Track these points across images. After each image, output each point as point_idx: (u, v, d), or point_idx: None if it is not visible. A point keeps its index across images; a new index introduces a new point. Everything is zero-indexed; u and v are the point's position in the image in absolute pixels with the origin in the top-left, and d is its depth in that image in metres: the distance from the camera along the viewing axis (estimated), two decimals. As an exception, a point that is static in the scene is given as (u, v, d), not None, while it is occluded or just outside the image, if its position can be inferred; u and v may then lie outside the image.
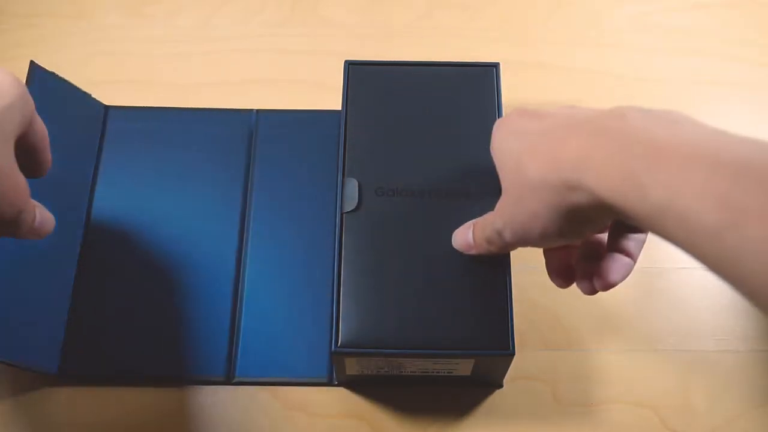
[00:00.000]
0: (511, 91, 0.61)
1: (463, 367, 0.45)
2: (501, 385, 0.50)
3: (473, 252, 0.42)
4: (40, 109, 0.39)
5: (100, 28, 0.65)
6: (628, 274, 0.39)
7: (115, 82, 0.62)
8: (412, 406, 0.50)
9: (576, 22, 0.66)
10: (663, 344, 0.52)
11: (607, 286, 0.39)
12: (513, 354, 0.42)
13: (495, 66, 0.50)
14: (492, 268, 0.44)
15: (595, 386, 0.51)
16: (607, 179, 0.30)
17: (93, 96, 0.59)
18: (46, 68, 0.54)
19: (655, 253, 0.55)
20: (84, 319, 0.52)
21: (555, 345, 0.52)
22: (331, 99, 0.54)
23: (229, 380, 0.51)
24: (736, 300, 0.54)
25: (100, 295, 0.53)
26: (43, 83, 0.53)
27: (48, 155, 0.40)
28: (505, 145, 0.39)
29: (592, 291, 0.40)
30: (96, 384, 0.51)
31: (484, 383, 0.50)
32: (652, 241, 0.57)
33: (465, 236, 0.43)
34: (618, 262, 0.39)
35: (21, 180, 0.36)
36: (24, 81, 0.52)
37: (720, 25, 0.66)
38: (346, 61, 0.50)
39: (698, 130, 0.28)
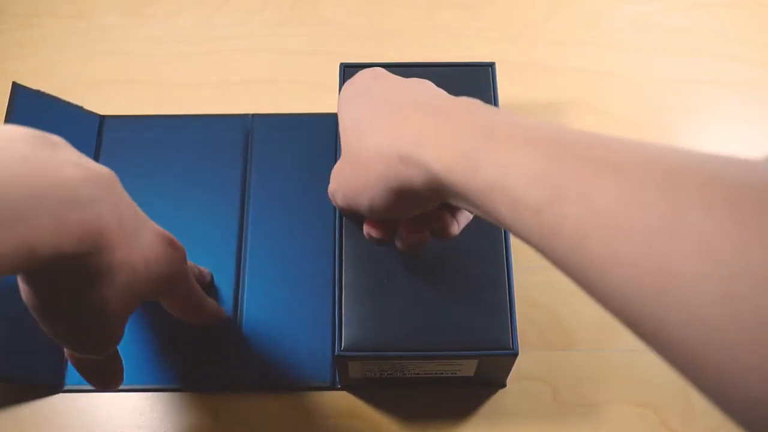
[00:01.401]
0: (511, 90, 0.61)
1: (467, 368, 0.45)
2: (504, 385, 0.51)
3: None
4: None
5: (100, 28, 0.65)
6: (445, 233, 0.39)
7: (115, 82, 0.62)
8: (414, 408, 0.50)
9: (576, 22, 0.66)
10: (663, 344, 0.52)
11: (422, 240, 0.40)
12: (516, 353, 0.42)
13: (491, 65, 0.50)
14: (494, 268, 0.44)
15: (596, 386, 0.51)
16: (444, 156, 0.31)
17: (87, 106, 0.58)
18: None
19: (655, 253, 0.55)
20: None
21: (555, 345, 0.52)
22: (331, 99, 0.54)
23: (230, 387, 0.51)
24: (736, 300, 0.54)
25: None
26: (26, 103, 0.52)
27: (200, 315, 0.47)
28: (351, 107, 0.39)
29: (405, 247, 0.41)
30: (97, 392, 0.51)
31: (488, 383, 0.50)
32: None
33: None
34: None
35: (118, 332, 0.39)
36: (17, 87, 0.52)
37: (720, 25, 0.66)
38: (341, 64, 0.50)
39: (535, 123, 0.30)
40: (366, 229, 0.40)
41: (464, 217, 0.39)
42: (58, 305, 0.35)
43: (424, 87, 0.38)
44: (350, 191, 0.37)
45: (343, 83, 0.49)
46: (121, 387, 0.50)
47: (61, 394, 0.50)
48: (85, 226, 0.31)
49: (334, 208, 0.46)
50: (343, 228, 0.45)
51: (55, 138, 0.33)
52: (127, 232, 0.35)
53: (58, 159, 0.31)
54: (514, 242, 0.55)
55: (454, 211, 0.39)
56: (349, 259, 0.44)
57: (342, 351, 0.42)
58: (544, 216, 0.26)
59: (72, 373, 0.51)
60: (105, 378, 0.42)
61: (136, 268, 0.36)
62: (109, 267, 0.34)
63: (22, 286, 0.35)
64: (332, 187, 0.39)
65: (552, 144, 0.27)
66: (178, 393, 0.51)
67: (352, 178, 0.37)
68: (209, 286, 0.52)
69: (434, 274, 0.44)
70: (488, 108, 0.33)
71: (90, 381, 0.42)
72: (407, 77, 0.50)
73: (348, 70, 0.50)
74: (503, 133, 0.29)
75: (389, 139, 0.34)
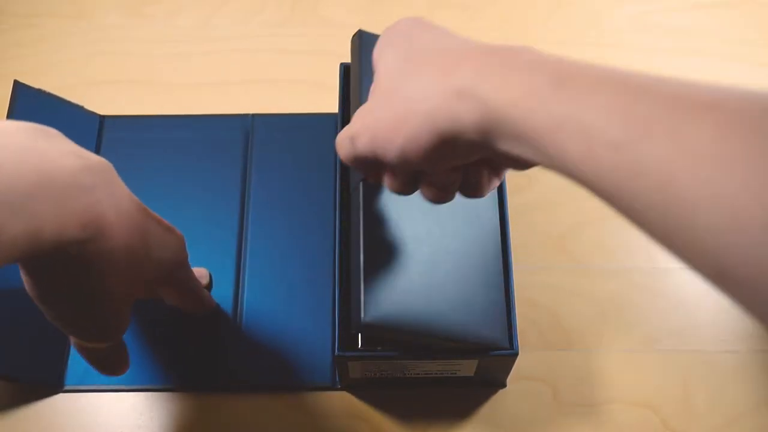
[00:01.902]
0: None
1: (467, 368, 0.45)
2: (504, 385, 0.51)
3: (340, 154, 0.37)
4: None
5: (100, 28, 0.65)
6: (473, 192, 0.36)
7: (115, 82, 0.62)
8: (414, 408, 0.50)
9: (576, 22, 0.66)
10: (663, 344, 0.52)
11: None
12: (516, 353, 0.42)
13: None
14: (494, 268, 0.44)
15: (596, 386, 0.51)
16: (507, 90, 0.28)
17: (87, 106, 0.58)
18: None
19: (656, 254, 0.56)
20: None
21: (555, 345, 0.52)
22: (331, 99, 0.54)
23: (229, 388, 0.51)
24: (736, 300, 0.54)
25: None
26: (27, 102, 0.52)
27: (196, 301, 0.48)
28: (392, 48, 0.35)
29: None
30: (97, 392, 0.51)
31: (488, 383, 0.50)
32: (652, 242, 0.57)
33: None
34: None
35: (123, 319, 0.39)
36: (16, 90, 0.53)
37: (720, 25, 0.66)
38: (341, 64, 0.50)
39: (608, 66, 0.28)
40: (387, 180, 0.36)
41: (496, 179, 0.36)
42: (61, 292, 0.35)
43: (468, 38, 0.35)
44: (382, 132, 0.32)
45: (343, 83, 0.49)
46: (121, 387, 0.50)
47: (61, 394, 0.50)
48: (86, 212, 0.32)
49: (334, 206, 0.45)
50: (343, 224, 0.45)
51: (53, 130, 0.34)
52: (126, 218, 0.36)
53: (57, 149, 0.33)
54: (514, 242, 0.55)
55: (489, 168, 0.35)
56: (346, 261, 0.44)
57: (342, 351, 0.42)
58: (624, 153, 0.24)
59: (72, 373, 0.51)
60: (112, 365, 0.43)
61: (136, 254, 0.37)
62: (110, 253, 0.34)
63: (24, 277, 0.35)
64: (356, 128, 0.34)
65: (631, 83, 0.25)
66: (178, 393, 0.51)
67: (388, 118, 0.32)
68: (207, 289, 0.52)
69: (434, 273, 0.44)
70: (550, 54, 0.30)
71: (97, 368, 0.42)
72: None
73: (348, 71, 0.50)
74: (575, 72, 0.27)
75: (443, 74, 0.30)
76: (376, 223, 0.43)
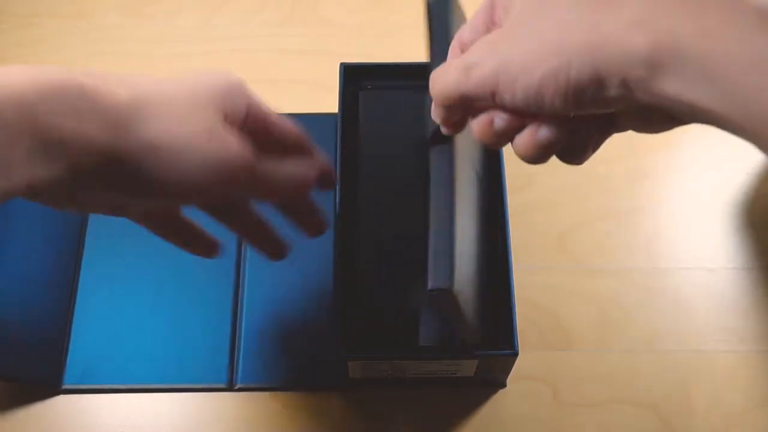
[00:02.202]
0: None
1: (466, 368, 0.45)
2: (504, 385, 0.50)
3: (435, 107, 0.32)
4: None
5: (100, 28, 0.65)
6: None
7: (115, 82, 0.62)
8: (414, 408, 0.50)
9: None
10: (663, 344, 0.52)
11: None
12: (516, 353, 0.42)
13: None
14: (494, 268, 0.44)
15: (596, 386, 0.51)
16: (698, 18, 0.24)
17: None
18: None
19: (656, 253, 0.55)
20: (84, 329, 0.52)
21: (555, 345, 0.52)
22: (331, 99, 0.54)
23: (230, 387, 0.51)
24: (736, 300, 0.54)
25: (100, 305, 0.53)
26: None
27: (282, 128, 0.39)
28: None
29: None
30: (97, 392, 0.51)
31: (488, 383, 0.50)
32: (652, 241, 0.57)
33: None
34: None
35: (227, 143, 0.33)
36: None
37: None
38: (341, 64, 0.50)
39: None
40: (484, 126, 0.31)
41: (600, 143, 0.32)
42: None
43: None
44: (518, 62, 0.27)
45: (344, 83, 0.49)
46: (121, 387, 0.50)
47: (61, 395, 0.50)
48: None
49: (334, 206, 0.45)
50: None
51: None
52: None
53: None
54: (514, 242, 0.55)
55: (598, 129, 0.31)
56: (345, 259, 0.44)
57: (342, 351, 0.42)
58: None
59: (71, 373, 0.50)
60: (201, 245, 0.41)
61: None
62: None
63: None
64: (478, 56, 0.29)
65: None
66: (178, 393, 0.51)
67: (530, 48, 0.27)
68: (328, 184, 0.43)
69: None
70: None
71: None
72: (407, 77, 0.50)
73: (348, 71, 0.50)
74: None
75: (610, 3, 0.26)
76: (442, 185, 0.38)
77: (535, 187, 0.58)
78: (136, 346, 0.51)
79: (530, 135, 0.30)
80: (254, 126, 0.36)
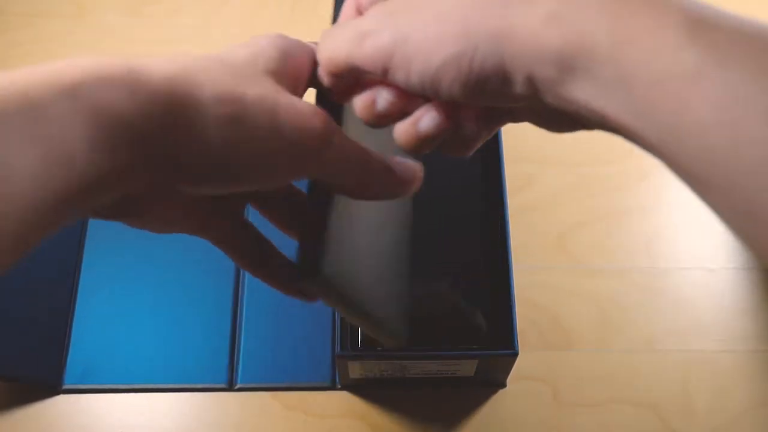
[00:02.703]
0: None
1: (467, 368, 0.45)
2: (504, 385, 0.50)
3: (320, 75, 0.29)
4: None
5: (100, 28, 0.65)
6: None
7: (115, 82, 0.62)
8: (414, 408, 0.50)
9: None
10: (663, 344, 0.52)
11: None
12: (516, 353, 0.42)
13: None
14: (494, 268, 0.44)
15: (596, 386, 0.51)
16: (618, 23, 0.22)
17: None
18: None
19: (656, 253, 0.55)
20: (84, 329, 0.52)
21: (555, 345, 0.52)
22: (332, 99, 0.54)
23: (231, 387, 0.51)
24: (736, 300, 0.54)
25: (100, 305, 0.53)
26: None
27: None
28: None
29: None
30: (97, 392, 0.51)
31: (488, 383, 0.50)
32: (652, 241, 0.57)
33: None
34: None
35: (294, 105, 0.27)
36: None
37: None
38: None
39: (741, 16, 0.23)
40: (366, 103, 0.28)
41: (487, 135, 0.29)
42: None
43: None
44: (417, 42, 0.25)
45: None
46: (121, 387, 0.50)
47: (61, 395, 0.50)
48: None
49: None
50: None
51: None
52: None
53: None
54: (514, 242, 0.55)
55: (484, 120, 0.29)
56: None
57: (343, 350, 0.42)
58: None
59: (71, 372, 0.50)
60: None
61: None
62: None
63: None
64: (373, 24, 0.26)
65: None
66: (178, 393, 0.51)
67: (433, 28, 0.25)
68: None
69: (435, 273, 0.44)
70: None
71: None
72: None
73: None
74: (712, 16, 0.22)
75: None
76: None
77: (535, 187, 0.58)
78: (136, 346, 0.51)
79: (412, 125, 0.28)
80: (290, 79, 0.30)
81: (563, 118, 0.26)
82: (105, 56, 0.24)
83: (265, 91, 0.26)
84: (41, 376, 0.50)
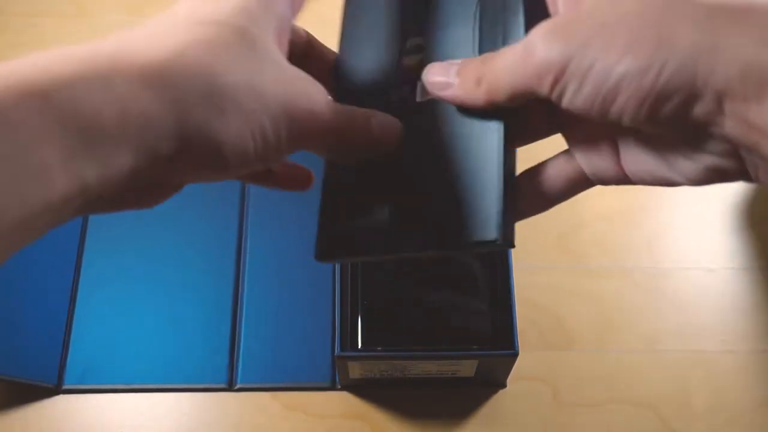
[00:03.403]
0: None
1: (467, 368, 0.45)
2: (504, 385, 0.50)
3: (446, 94, 0.28)
4: None
5: (101, 28, 0.65)
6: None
7: (115, 81, 0.62)
8: (414, 408, 0.50)
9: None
10: (663, 344, 0.52)
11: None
12: (516, 353, 0.42)
13: None
14: (494, 268, 0.44)
15: (596, 386, 0.51)
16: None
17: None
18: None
19: (656, 253, 0.55)
20: (84, 329, 0.52)
21: (555, 345, 0.52)
22: (332, 99, 0.54)
23: (230, 387, 0.51)
24: (736, 300, 0.54)
25: (100, 305, 0.53)
26: None
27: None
28: None
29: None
30: (97, 392, 0.51)
31: (488, 384, 0.50)
32: (652, 241, 0.57)
33: (443, 70, 0.28)
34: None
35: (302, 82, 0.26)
36: None
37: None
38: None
39: None
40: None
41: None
42: None
43: None
44: (600, 46, 0.23)
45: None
46: (121, 387, 0.50)
47: (61, 395, 0.50)
48: None
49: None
50: None
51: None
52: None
53: None
54: (515, 242, 0.55)
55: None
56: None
57: (343, 350, 0.42)
58: None
59: (71, 372, 0.50)
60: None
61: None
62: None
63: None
64: (544, 36, 0.24)
65: None
66: (178, 393, 0.51)
67: (623, 32, 0.23)
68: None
69: (435, 273, 0.44)
70: None
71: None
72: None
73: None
74: None
75: (691, 25, 0.22)
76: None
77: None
78: (136, 346, 0.51)
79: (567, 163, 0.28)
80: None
81: (713, 164, 0.25)
82: (75, 48, 0.23)
83: (282, 75, 0.25)
84: (41, 376, 0.50)
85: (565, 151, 0.29)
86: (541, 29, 0.24)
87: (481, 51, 0.29)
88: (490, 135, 0.28)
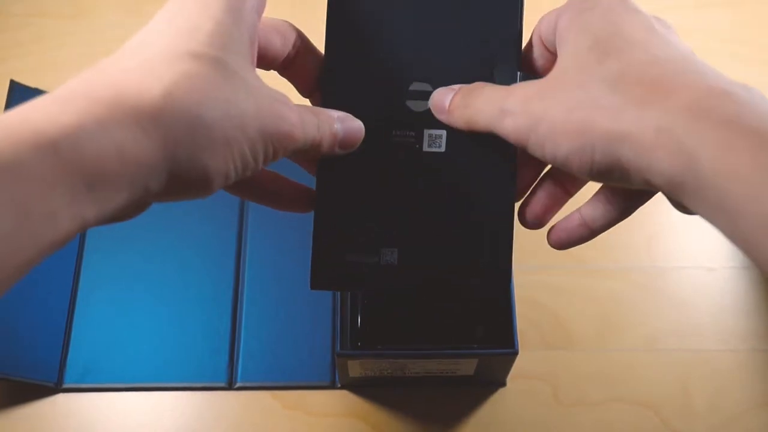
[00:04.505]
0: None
1: (467, 367, 0.45)
2: (504, 384, 0.51)
3: (442, 118, 0.32)
4: None
5: (100, 28, 0.65)
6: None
7: (115, 81, 0.62)
8: (414, 407, 0.50)
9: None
10: (663, 344, 0.52)
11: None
12: (516, 352, 0.43)
13: None
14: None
15: (596, 386, 0.51)
16: (728, 155, 0.23)
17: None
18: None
19: (656, 253, 0.56)
20: (84, 329, 0.52)
21: (555, 345, 0.52)
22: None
23: (230, 386, 0.51)
24: (736, 300, 0.54)
25: (100, 305, 0.53)
26: (24, 101, 0.53)
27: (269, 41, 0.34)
28: (588, 28, 0.29)
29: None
30: (98, 391, 0.51)
31: (488, 382, 0.50)
32: (652, 240, 0.57)
33: (443, 96, 0.32)
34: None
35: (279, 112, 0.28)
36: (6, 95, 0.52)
37: (720, 25, 0.66)
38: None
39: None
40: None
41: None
42: None
43: (684, 47, 0.31)
44: (546, 129, 0.28)
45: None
46: (121, 386, 0.50)
47: (61, 394, 0.50)
48: None
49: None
50: None
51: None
52: None
53: None
54: (515, 242, 0.55)
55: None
56: None
57: (343, 349, 0.42)
58: None
59: (71, 372, 0.51)
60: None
61: None
62: None
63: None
64: (513, 105, 0.29)
65: None
66: (178, 393, 0.51)
67: (562, 118, 0.27)
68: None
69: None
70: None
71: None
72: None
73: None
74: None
75: (643, 97, 0.26)
76: None
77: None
78: (136, 346, 0.51)
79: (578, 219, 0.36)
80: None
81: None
82: (76, 86, 0.25)
83: (257, 102, 0.27)
84: (41, 375, 0.50)
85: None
86: (519, 95, 0.29)
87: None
88: (500, 187, 0.33)
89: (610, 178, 0.28)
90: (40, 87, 0.55)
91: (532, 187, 0.35)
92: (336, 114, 0.32)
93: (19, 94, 0.53)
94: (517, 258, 0.49)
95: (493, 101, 0.30)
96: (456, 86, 0.32)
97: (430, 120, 0.32)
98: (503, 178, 0.33)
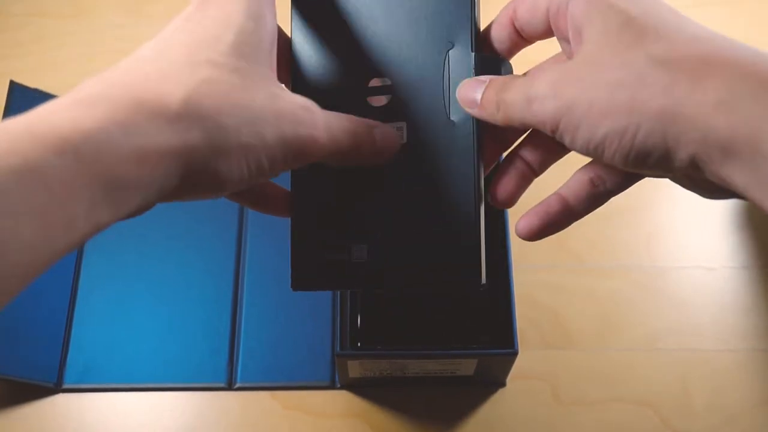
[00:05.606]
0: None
1: (466, 367, 0.45)
2: (504, 384, 0.51)
3: (473, 112, 0.31)
4: None
5: (100, 28, 0.65)
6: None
7: (114, 81, 0.62)
8: (413, 407, 0.50)
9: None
10: (663, 344, 0.52)
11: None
12: (516, 352, 0.43)
13: None
14: (494, 268, 0.44)
15: (595, 385, 0.51)
16: None
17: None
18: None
19: (655, 252, 0.56)
20: (84, 329, 0.52)
21: (555, 344, 0.52)
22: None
23: (230, 387, 0.51)
24: (735, 298, 0.54)
25: (100, 305, 0.53)
26: (24, 102, 0.53)
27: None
28: (611, 7, 0.28)
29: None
30: (97, 391, 0.51)
31: (488, 382, 0.50)
32: (652, 240, 0.57)
33: (472, 89, 0.31)
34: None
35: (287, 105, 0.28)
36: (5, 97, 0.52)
37: (720, 24, 0.65)
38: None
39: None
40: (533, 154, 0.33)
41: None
42: None
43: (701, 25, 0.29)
44: (581, 111, 0.27)
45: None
46: (121, 386, 0.50)
47: (61, 394, 0.50)
48: None
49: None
50: None
51: None
52: None
53: None
54: (514, 242, 0.55)
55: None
56: None
57: (343, 349, 0.42)
58: None
59: (71, 372, 0.51)
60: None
61: None
62: None
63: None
64: (541, 89, 0.28)
65: None
66: (178, 393, 0.51)
67: (598, 99, 0.26)
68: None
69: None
70: None
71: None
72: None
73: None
74: None
75: (689, 75, 0.25)
76: None
77: (534, 187, 0.58)
78: (136, 346, 0.51)
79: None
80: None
81: (718, 189, 0.27)
82: (96, 94, 0.25)
83: (277, 108, 0.27)
84: (41, 376, 0.50)
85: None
86: (544, 80, 0.28)
87: (452, 88, 0.32)
88: (465, 176, 0.32)
89: (643, 164, 0.26)
90: (40, 87, 0.55)
91: (503, 166, 0.34)
92: (374, 122, 0.31)
93: (19, 94, 0.53)
94: (516, 257, 0.49)
95: (520, 91, 0.29)
96: (485, 78, 0.31)
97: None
98: (466, 164, 0.32)
